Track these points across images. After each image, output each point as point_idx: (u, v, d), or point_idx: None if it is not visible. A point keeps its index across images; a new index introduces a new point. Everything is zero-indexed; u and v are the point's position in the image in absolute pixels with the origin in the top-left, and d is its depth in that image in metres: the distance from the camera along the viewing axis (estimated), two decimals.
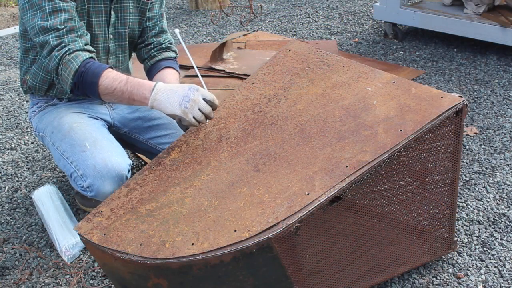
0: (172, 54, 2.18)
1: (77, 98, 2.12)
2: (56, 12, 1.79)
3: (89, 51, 1.83)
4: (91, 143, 1.91)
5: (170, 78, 2.06)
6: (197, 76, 1.98)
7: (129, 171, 1.91)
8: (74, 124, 1.99)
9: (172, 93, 1.67)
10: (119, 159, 1.89)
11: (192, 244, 1.38)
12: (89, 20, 1.94)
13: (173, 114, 1.68)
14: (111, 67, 1.80)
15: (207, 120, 1.75)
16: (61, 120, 2.03)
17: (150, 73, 2.15)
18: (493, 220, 2.11)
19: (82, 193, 1.96)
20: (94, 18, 1.95)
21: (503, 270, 1.86)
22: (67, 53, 1.77)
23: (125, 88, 1.73)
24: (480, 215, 2.14)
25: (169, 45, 2.19)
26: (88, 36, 1.89)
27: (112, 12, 1.99)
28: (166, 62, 2.13)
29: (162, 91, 1.68)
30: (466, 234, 2.04)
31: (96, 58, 1.85)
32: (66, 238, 2.04)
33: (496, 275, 1.85)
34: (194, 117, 1.66)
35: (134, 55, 2.27)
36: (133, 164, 2.10)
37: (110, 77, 1.75)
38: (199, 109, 1.66)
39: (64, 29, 1.78)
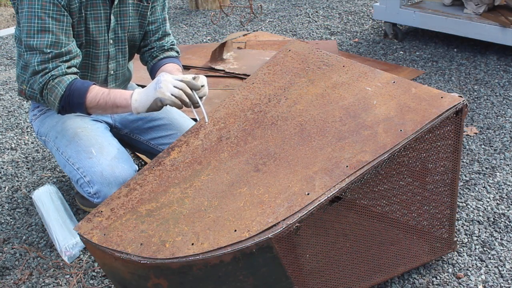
0: (174, 54, 2.18)
1: None
2: (43, 32, 1.80)
3: (72, 73, 1.86)
4: (97, 149, 1.92)
5: (171, 69, 2.07)
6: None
7: None
8: (78, 130, 2.00)
9: (147, 89, 1.79)
10: (125, 165, 1.91)
11: (192, 244, 1.38)
12: (86, 27, 1.93)
13: (154, 102, 1.76)
14: (94, 83, 1.86)
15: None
16: (64, 125, 2.03)
17: (153, 71, 2.15)
18: (493, 220, 2.11)
19: (88, 199, 1.96)
20: (93, 25, 1.94)
21: (503, 270, 1.86)
22: (51, 79, 1.82)
23: (108, 98, 1.82)
24: (480, 215, 2.14)
25: (171, 46, 2.19)
26: (78, 57, 1.90)
27: (112, 17, 1.98)
28: (167, 59, 2.13)
29: (139, 92, 1.81)
30: (466, 234, 2.04)
31: (78, 76, 1.89)
32: (66, 238, 2.04)
33: (496, 275, 1.85)
34: (172, 94, 1.74)
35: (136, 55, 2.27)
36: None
37: (94, 92, 1.83)
38: (175, 86, 1.75)
39: (50, 55, 1.81)
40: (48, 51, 1.81)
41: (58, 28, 1.82)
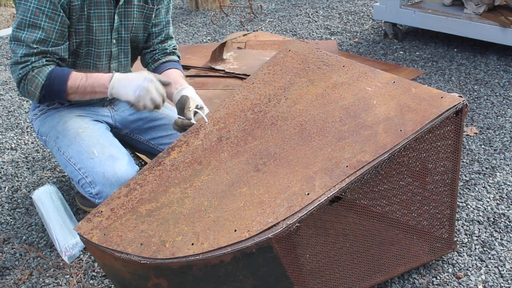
0: (176, 58, 2.19)
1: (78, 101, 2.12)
2: (34, 27, 1.82)
3: (51, 63, 1.88)
4: (99, 149, 1.92)
5: (174, 75, 2.08)
6: (197, 76, 1.98)
7: None
8: (80, 130, 2.00)
9: (128, 83, 1.83)
10: (127, 166, 1.91)
11: (192, 244, 1.38)
12: (89, 26, 1.93)
13: (127, 100, 1.84)
14: (73, 70, 1.89)
15: (207, 122, 1.75)
16: (65, 125, 2.03)
17: None
18: (493, 220, 2.11)
19: (90, 199, 1.96)
20: (96, 24, 1.94)
21: (503, 270, 1.86)
22: (31, 70, 1.84)
23: (86, 84, 1.86)
24: (480, 215, 2.14)
25: (173, 50, 2.19)
26: (64, 61, 1.92)
27: (116, 17, 1.98)
28: (169, 63, 2.14)
29: (119, 81, 1.84)
30: (466, 234, 2.04)
31: (60, 64, 1.91)
32: (66, 238, 2.04)
33: (496, 275, 1.85)
34: (144, 105, 1.82)
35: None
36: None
37: (73, 78, 1.86)
38: (151, 99, 1.81)
39: (35, 50, 1.83)
40: (34, 46, 1.83)
41: (50, 26, 1.84)
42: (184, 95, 1.90)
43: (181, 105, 1.89)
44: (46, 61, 1.86)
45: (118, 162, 1.90)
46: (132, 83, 1.82)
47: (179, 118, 1.88)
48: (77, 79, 1.86)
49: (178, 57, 2.21)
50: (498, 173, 2.40)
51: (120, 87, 1.83)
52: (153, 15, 2.09)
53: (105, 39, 1.99)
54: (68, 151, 1.97)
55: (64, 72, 1.87)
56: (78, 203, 2.29)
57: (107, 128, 2.11)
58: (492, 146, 2.61)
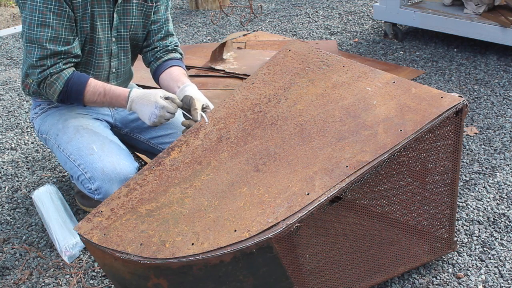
0: (178, 55, 2.19)
1: None
2: (43, 26, 1.85)
3: (68, 68, 1.92)
4: (98, 146, 1.94)
5: (177, 73, 2.09)
6: (197, 76, 2.00)
7: None
8: (80, 127, 2.01)
9: (143, 107, 1.89)
10: (127, 162, 1.92)
11: (192, 244, 1.38)
12: (93, 24, 1.94)
13: (143, 119, 1.93)
14: (90, 78, 1.94)
15: (207, 121, 1.76)
16: (66, 123, 2.04)
17: (156, 74, 2.16)
18: (493, 220, 2.11)
19: (89, 195, 1.97)
20: (99, 22, 1.95)
21: (503, 270, 1.86)
22: (49, 75, 1.89)
23: (104, 99, 1.94)
24: (480, 215, 2.14)
25: (175, 47, 2.19)
26: (78, 57, 1.95)
27: (115, 15, 1.99)
28: (172, 61, 2.14)
29: (135, 102, 1.91)
30: (466, 234, 2.04)
31: (75, 67, 1.96)
32: (66, 238, 2.04)
33: (496, 275, 1.85)
34: (161, 124, 1.94)
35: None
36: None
37: (90, 92, 1.93)
38: (165, 119, 1.91)
39: (49, 52, 1.86)
40: (48, 46, 1.86)
41: (59, 23, 1.86)
42: (188, 96, 1.91)
43: (187, 106, 1.89)
44: (63, 64, 1.89)
45: (117, 158, 1.91)
46: (147, 108, 1.87)
47: (186, 119, 1.89)
48: (95, 93, 1.92)
49: (181, 54, 2.21)
50: (498, 173, 2.40)
51: (137, 109, 1.91)
52: (152, 13, 2.10)
53: (106, 37, 2.00)
54: (68, 147, 1.98)
55: (81, 80, 1.91)
56: (78, 203, 2.29)
57: (106, 126, 2.12)
58: (492, 146, 2.61)
